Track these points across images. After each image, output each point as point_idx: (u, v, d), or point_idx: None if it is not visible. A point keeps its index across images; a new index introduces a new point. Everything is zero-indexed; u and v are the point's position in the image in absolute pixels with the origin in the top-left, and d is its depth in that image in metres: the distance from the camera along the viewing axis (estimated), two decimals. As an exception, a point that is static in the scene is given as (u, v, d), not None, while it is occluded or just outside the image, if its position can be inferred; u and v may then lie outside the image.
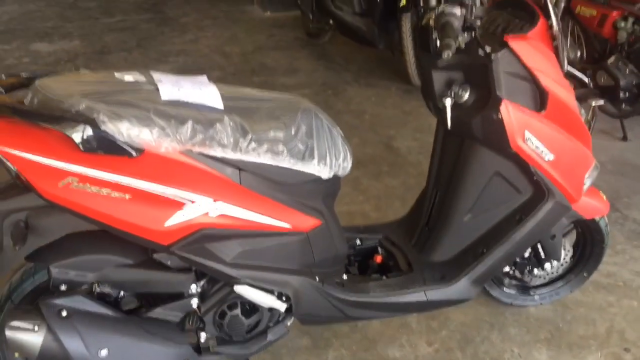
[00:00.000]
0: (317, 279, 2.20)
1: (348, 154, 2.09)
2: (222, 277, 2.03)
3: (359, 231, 2.68)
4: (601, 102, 2.93)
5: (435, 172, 2.57)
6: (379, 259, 2.59)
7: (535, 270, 2.70)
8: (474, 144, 2.33)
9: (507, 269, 2.67)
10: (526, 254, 2.64)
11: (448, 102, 2.18)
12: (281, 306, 2.12)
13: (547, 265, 2.67)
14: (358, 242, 2.64)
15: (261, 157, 1.90)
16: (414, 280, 2.40)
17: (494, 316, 2.87)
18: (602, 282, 3.07)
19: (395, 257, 2.57)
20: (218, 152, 1.83)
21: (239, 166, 1.90)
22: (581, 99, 2.45)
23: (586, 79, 3.14)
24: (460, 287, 2.40)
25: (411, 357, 2.66)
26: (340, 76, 5.64)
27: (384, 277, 2.44)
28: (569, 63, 2.34)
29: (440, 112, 2.29)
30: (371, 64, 5.89)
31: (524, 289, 2.89)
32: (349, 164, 2.10)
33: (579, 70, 2.63)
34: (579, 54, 4.34)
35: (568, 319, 2.86)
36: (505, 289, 2.84)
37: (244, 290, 2.04)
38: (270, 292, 2.11)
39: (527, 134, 2.19)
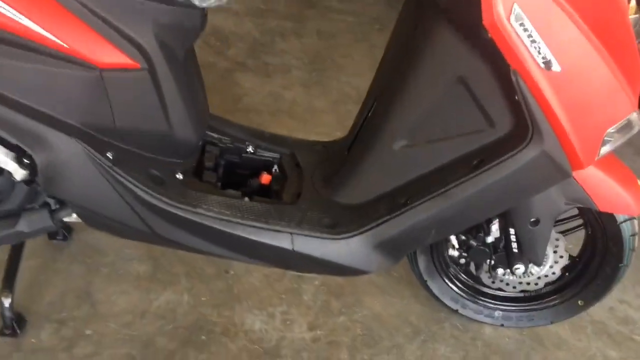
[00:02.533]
0: (109, 155, 1.34)
1: None
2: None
3: (259, 137, 1.79)
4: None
5: (380, 74, 1.64)
6: (265, 178, 1.70)
7: (499, 270, 1.73)
8: (432, 24, 1.39)
9: (453, 251, 1.71)
10: (489, 238, 1.66)
11: None
12: (15, 170, 1.29)
13: (518, 268, 1.69)
14: (250, 149, 1.75)
15: None
16: (285, 214, 1.50)
17: (425, 321, 1.92)
18: (609, 326, 2.03)
19: (286, 183, 1.66)
20: None
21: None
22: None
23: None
24: (353, 247, 1.48)
25: (271, 337, 1.76)
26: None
27: (246, 199, 1.55)
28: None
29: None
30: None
31: (481, 295, 1.91)
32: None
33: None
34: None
35: (534, 360, 1.86)
36: (450, 284, 1.87)
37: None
38: (12, 146, 1.28)
39: (517, 10, 1.21)
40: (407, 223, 1.45)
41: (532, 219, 1.57)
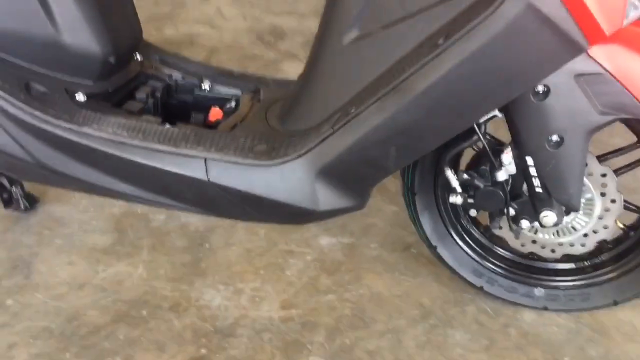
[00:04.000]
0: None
1: None
2: None
3: (222, 74, 1.48)
4: None
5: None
6: (215, 114, 1.37)
7: (524, 223, 1.26)
8: None
9: (456, 198, 1.26)
10: (501, 174, 1.21)
11: None
12: None
13: (546, 216, 1.22)
14: (206, 86, 1.45)
15: None
16: (206, 140, 1.16)
17: (441, 303, 1.47)
18: None
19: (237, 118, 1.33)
20: None
21: None
22: None
23: None
24: (288, 175, 1.11)
25: (230, 315, 1.41)
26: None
27: (167, 125, 1.23)
28: None
29: None
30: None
31: (512, 266, 1.43)
32: None
33: None
34: None
35: None
36: (467, 249, 1.42)
37: None
38: None
39: None
40: (353, 137, 1.05)
41: (552, 137, 1.11)
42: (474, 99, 1.00)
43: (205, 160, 1.10)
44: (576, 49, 0.96)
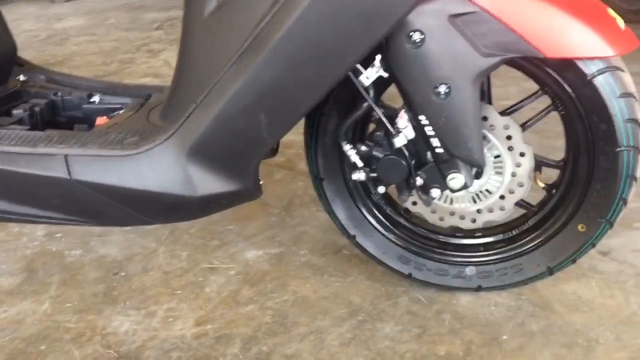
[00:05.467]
0: None
1: None
2: None
3: (116, 88, 1.41)
4: None
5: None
6: (100, 122, 1.29)
7: (434, 192, 1.16)
8: None
9: (359, 174, 1.17)
10: (399, 139, 1.13)
11: None
12: None
13: (453, 178, 1.13)
14: (96, 99, 1.38)
15: None
16: (69, 138, 1.07)
17: (372, 299, 1.36)
18: None
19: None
20: None
21: None
22: None
23: None
24: (157, 161, 1.01)
25: (137, 338, 1.28)
26: None
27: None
28: None
29: None
30: None
31: (437, 246, 1.32)
32: None
33: None
34: None
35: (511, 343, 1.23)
36: (388, 234, 1.32)
37: None
38: None
39: None
40: (217, 107, 0.97)
41: (438, 87, 1.03)
42: (334, 44, 0.93)
43: (66, 157, 1.01)
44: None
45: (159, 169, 1.00)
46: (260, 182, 1.15)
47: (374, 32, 0.93)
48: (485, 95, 1.21)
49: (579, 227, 1.18)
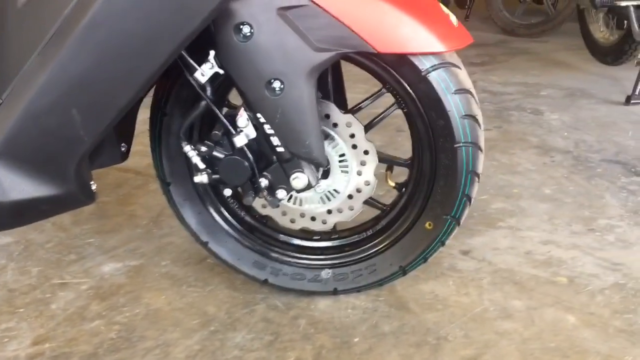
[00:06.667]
0: None
1: None
2: None
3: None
4: None
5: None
6: None
7: (280, 193, 1.13)
8: None
9: (201, 176, 1.12)
10: (239, 138, 1.08)
11: None
12: None
13: (295, 178, 1.10)
14: None
15: None
16: None
17: (228, 308, 1.30)
18: (518, 273, 1.37)
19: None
20: None
21: None
22: None
23: None
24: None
25: (-41, 360, 1.16)
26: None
27: None
28: None
29: None
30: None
31: (291, 249, 1.29)
32: None
33: None
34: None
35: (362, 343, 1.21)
36: (241, 238, 1.28)
37: None
38: None
39: None
40: (23, 103, 0.89)
41: (271, 83, 1.00)
42: (144, 34, 0.87)
43: None
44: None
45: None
46: (93, 187, 1.08)
47: (187, 22, 0.89)
48: (331, 94, 1.19)
49: (427, 224, 1.18)
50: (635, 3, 2.31)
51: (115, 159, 1.19)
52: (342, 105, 1.32)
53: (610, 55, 3.09)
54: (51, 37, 0.86)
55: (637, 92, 2.61)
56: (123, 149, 1.19)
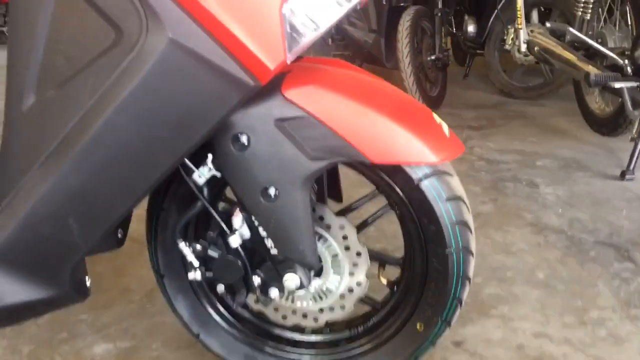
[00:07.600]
0: None
1: None
2: None
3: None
4: None
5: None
6: None
7: (273, 292, 1.14)
8: None
9: (195, 274, 1.13)
10: (234, 239, 1.10)
11: None
12: None
13: (287, 279, 1.11)
14: None
15: None
16: None
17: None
18: None
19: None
20: None
21: None
22: None
23: None
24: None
25: None
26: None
27: None
28: None
29: None
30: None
31: (281, 342, 1.29)
32: None
33: None
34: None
35: None
36: (233, 331, 1.28)
37: None
38: None
39: None
40: (22, 212, 0.91)
41: (267, 190, 1.02)
42: (145, 149, 0.90)
43: None
44: (244, 86, 0.89)
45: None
46: (87, 283, 1.09)
47: (188, 138, 0.92)
48: (325, 196, 1.21)
49: (418, 325, 1.18)
50: (628, 85, 2.36)
51: (112, 245, 1.20)
52: (337, 197, 1.34)
53: (606, 126, 3.14)
54: (53, 151, 0.89)
55: (631, 168, 2.64)
56: (120, 235, 1.21)
